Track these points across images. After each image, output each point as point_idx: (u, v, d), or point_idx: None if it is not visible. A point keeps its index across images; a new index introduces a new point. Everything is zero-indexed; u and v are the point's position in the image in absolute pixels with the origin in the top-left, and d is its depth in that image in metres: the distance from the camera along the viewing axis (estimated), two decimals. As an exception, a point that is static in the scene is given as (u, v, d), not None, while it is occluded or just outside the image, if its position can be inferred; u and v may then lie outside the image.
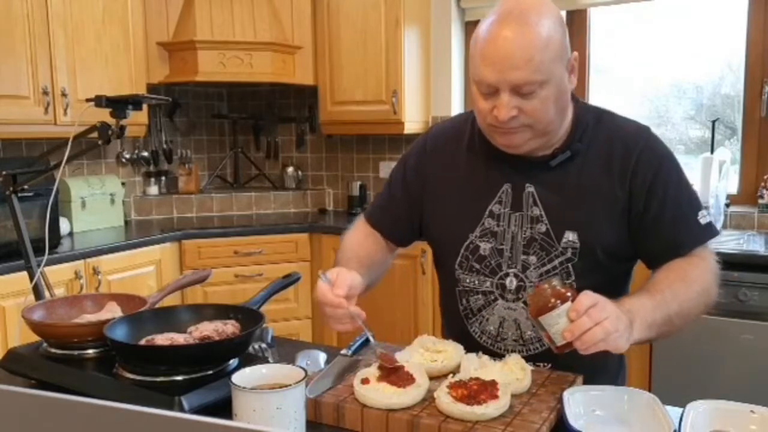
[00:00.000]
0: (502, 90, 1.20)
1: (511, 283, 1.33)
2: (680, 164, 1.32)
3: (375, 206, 1.57)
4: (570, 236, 1.29)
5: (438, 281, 1.50)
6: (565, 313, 1.08)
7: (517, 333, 1.35)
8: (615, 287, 1.15)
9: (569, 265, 1.29)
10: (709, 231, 1.28)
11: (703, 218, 1.28)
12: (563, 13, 3.44)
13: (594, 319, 1.04)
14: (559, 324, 1.09)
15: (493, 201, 1.35)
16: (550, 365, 1.31)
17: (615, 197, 1.28)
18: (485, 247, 1.35)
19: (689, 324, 1.22)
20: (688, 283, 1.22)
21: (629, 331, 1.08)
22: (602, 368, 1.36)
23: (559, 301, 1.09)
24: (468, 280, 1.38)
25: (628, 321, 1.08)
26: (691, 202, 1.29)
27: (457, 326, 1.43)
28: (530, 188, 1.33)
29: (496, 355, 1.32)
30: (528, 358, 1.26)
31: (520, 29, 1.17)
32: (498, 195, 1.35)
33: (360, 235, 1.51)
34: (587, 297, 1.06)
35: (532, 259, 1.31)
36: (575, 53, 1.25)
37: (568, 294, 1.09)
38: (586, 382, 1.20)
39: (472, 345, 1.34)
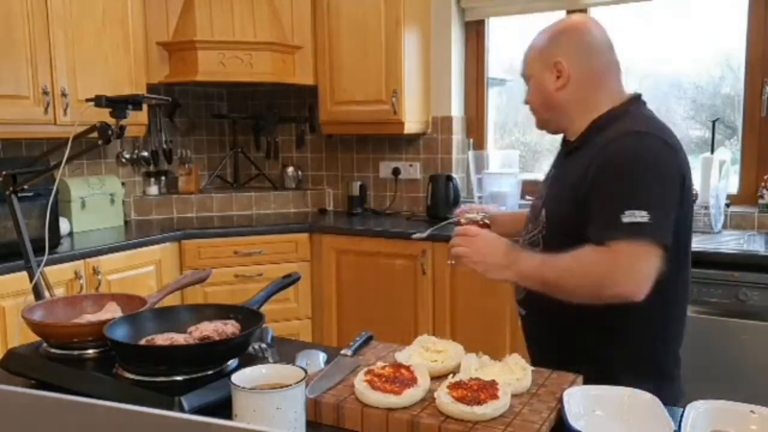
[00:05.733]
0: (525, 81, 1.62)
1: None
2: (653, 169, 1.37)
3: None
4: (544, 213, 1.53)
5: None
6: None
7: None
8: None
9: (539, 235, 1.53)
10: (628, 229, 1.31)
11: (628, 218, 1.31)
12: (563, 13, 3.47)
13: (463, 243, 1.43)
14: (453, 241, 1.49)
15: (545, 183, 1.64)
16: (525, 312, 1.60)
17: (581, 186, 1.42)
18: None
19: (573, 297, 1.37)
20: (575, 262, 1.36)
21: (501, 269, 1.42)
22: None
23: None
24: None
25: (507, 262, 1.41)
26: (620, 200, 1.34)
27: None
28: (553, 172, 1.63)
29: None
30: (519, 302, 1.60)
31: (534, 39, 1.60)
32: (546, 177, 1.67)
33: None
34: (474, 229, 1.47)
35: (529, 227, 1.59)
36: (558, 59, 1.51)
37: (462, 221, 1.56)
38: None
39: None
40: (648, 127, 1.43)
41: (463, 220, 1.59)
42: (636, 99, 1.53)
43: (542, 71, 1.53)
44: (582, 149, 1.48)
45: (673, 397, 1.38)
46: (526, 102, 1.61)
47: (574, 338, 1.49)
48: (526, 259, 1.42)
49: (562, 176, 1.54)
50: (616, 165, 1.38)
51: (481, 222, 1.56)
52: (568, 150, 1.55)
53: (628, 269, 1.31)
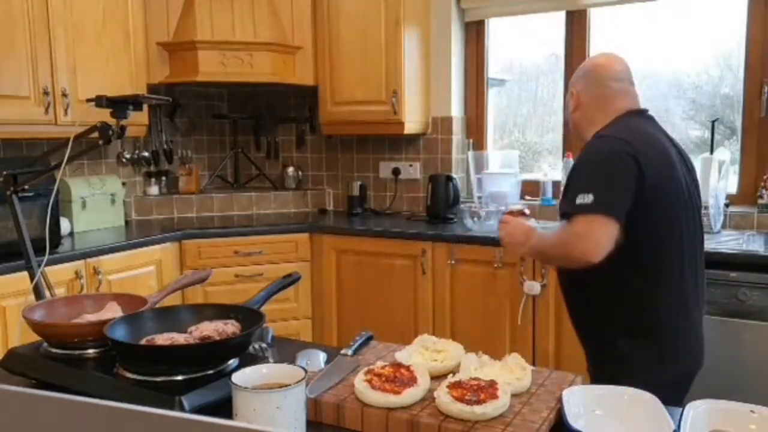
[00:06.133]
0: None
1: None
2: (598, 162, 1.72)
3: None
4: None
5: None
6: None
7: None
8: None
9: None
10: (578, 207, 1.66)
11: (580, 198, 1.66)
12: (563, 13, 3.47)
13: (502, 228, 1.89)
14: None
15: None
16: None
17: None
18: None
19: (556, 263, 1.94)
20: (552, 236, 1.77)
21: (520, 246, 1.85)
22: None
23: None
24: None
25: (524, 240, 1.82)
26: (577, 186, 1.70)
27: None
28: None
29: None
30: None
31: None
32: None
33: None
34: (508, 217, 1.90)
35: None
36: (573, 89, 1.93)
37: (503, 213, 1.95)
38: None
39: None
40: (610, 131, 1.76)
41: (506, 211, 2.00)
42: (630, 112, 1.83)
43: (569, 98, 1.95)
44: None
45: (657, 356, 1.75)
46: None
47: (574, 296, 1.88)
48: (534, 237, 1.81)
49: None
50: (576, 164, 1.80)
51: (517, 212, 1.93)
52: None
53: (582, 236, 1.65)
